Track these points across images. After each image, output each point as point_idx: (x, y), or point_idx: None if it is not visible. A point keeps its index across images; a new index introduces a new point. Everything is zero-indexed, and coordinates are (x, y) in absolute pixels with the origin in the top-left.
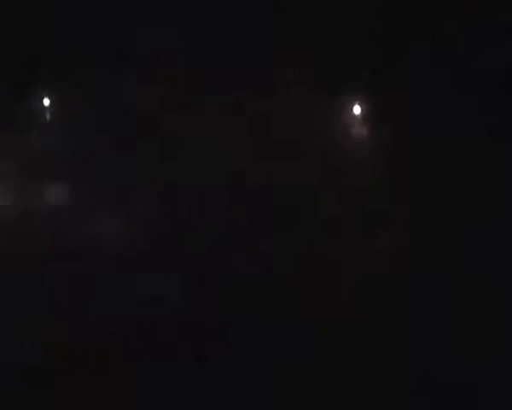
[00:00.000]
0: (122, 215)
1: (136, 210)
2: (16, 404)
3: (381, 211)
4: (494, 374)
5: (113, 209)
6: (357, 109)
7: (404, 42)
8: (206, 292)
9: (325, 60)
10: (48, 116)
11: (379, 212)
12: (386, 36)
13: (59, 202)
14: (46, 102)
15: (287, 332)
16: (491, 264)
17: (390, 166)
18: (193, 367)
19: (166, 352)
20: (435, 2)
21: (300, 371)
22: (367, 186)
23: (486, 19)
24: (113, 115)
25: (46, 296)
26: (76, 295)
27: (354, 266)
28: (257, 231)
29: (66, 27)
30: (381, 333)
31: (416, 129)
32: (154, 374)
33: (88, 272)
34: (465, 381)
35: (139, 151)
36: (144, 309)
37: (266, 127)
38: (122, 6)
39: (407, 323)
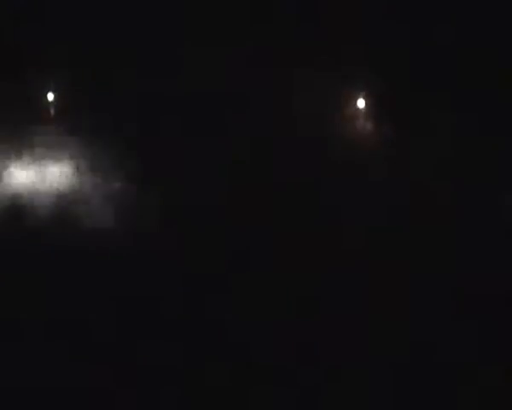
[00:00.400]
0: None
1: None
2: None
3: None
4: None
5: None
6: (361, 103)
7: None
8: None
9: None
10: (51, 111)
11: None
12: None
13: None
14: (50, 96)
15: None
16: (492, 263)
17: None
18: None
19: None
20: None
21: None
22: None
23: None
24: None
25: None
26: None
27: (354, 260)
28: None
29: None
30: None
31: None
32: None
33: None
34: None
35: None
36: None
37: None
38: (122, 4)
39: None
